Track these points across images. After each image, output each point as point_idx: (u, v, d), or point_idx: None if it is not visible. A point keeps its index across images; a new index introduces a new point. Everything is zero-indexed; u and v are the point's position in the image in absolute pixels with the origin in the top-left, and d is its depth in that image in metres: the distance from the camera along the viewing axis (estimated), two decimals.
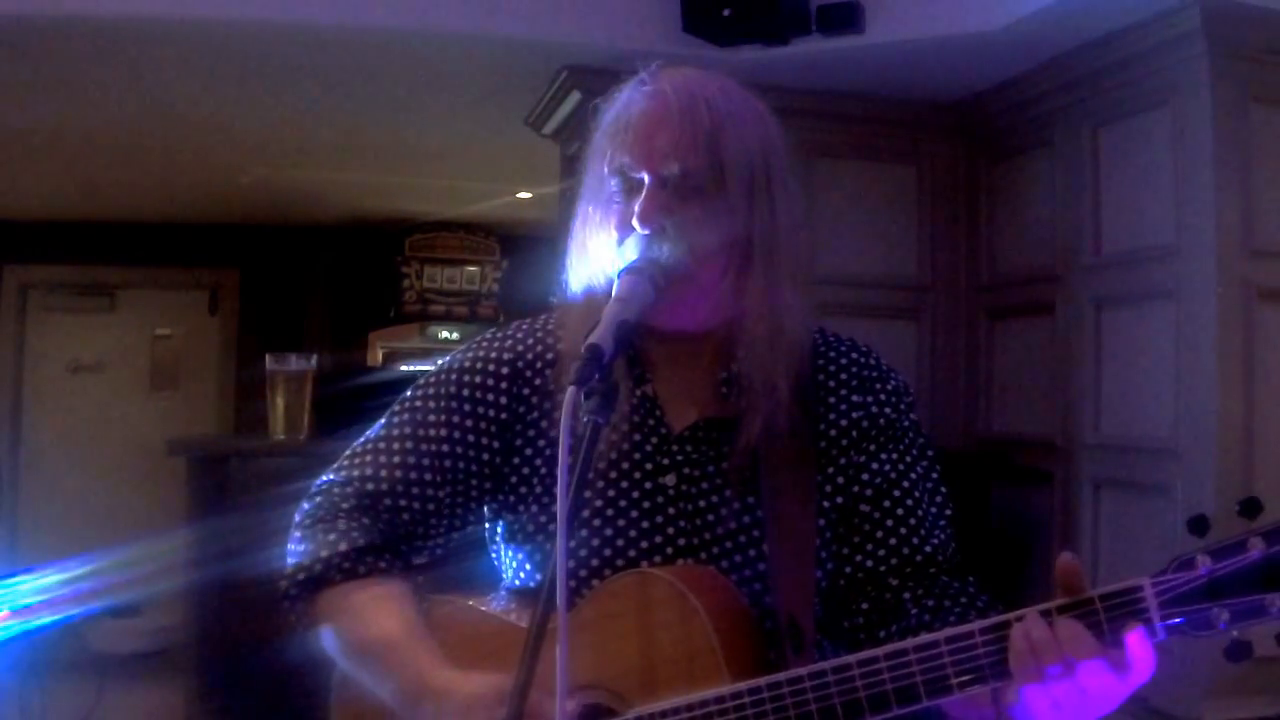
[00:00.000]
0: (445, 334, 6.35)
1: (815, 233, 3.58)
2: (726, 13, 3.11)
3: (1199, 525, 0.94)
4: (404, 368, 5.67)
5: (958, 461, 3.44)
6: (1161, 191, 3.00)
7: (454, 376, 1.31)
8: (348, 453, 1.32)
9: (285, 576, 1.24)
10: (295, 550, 1.25)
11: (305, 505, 1.29)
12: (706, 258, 1.18)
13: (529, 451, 1.28)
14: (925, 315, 3.81)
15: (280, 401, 3.52)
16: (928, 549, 1.22)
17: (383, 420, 1.33)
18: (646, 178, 1.18)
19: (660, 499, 1.22)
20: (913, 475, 1.26)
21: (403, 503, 1.27)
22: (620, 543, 1.21)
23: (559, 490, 0.95)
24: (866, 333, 1.46)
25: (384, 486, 1.27)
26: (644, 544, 1.21)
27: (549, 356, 1.30)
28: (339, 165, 5.14)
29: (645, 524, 1.22)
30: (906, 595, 1.19)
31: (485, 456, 1.28)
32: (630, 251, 1.16)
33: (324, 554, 1.22)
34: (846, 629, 1.22)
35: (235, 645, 3.20)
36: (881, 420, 1.27)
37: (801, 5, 3.13)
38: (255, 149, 4.86)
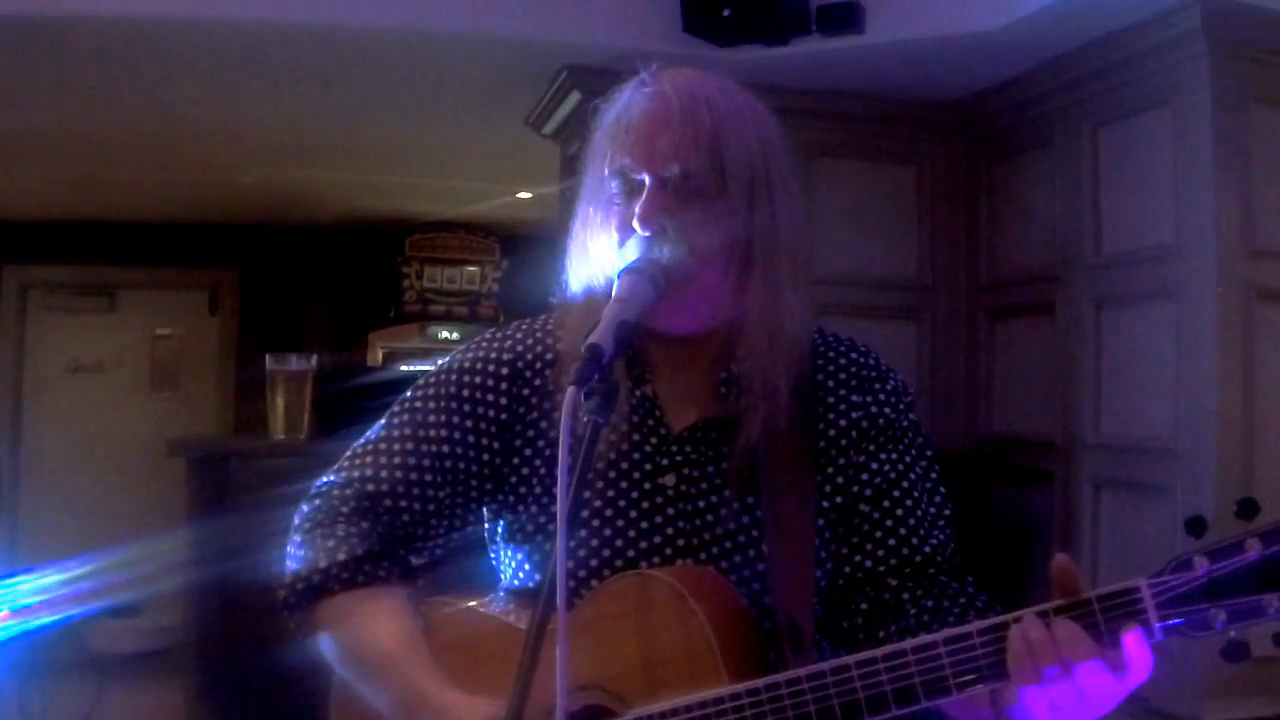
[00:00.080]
0: (445, 334, 6.35)
1: (815, 233, 3.58)
2: (726, 13, 3.11)
3: (1196, 526, 0.94)
4: (404, 368, 5.67)
5: (958, 461, 3.44)
6: (1161, 191, 3.00)
7: (454, 377, 1.31)
8: (347, 454, 1.32)
9: (284, 585, 1.24)
10: (295, 555, 1.25)
11: (304, 508, 1.29)
12: (707, 259, 1.18)
13: (528, 452, 1.28)
14: (925, 315, 3.81)
15: (280, 401, 3.53)
16: (927, 549, 1.22)
17: (382, 421, 1.33)
18: (647, 179, 1.18)
19: (659, 499, 1.23)
20: (912, 475, 1.26)
21: (403, 504, 1.27)
22: (619, 543, 1.21)
23: (559, 490, 0.95)
24: (866, 333, 1.46)
25: (384, 488, 1.27)
26: (643, 544, 1.21)
27: (549, 357, 1.30)
28: (339, 165, 5.14)
29: (644, 524, 1.22)
30: (905, 596, 1.20)
31: (485, 457, 1.28)
32: (631, 253, 1.16)
33: (323, 563, 1.22)
34: (845, 629, 1.22)
35: (235, 645, 3.20)
36: (881, 420, 1.27)
37: (801, 5, 3.13)
38: (255, 149, 4.86)
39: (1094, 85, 3.22)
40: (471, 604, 1.29)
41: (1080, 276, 3.29)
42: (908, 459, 1.27)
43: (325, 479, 1.31)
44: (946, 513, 1.28)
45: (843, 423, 1.27)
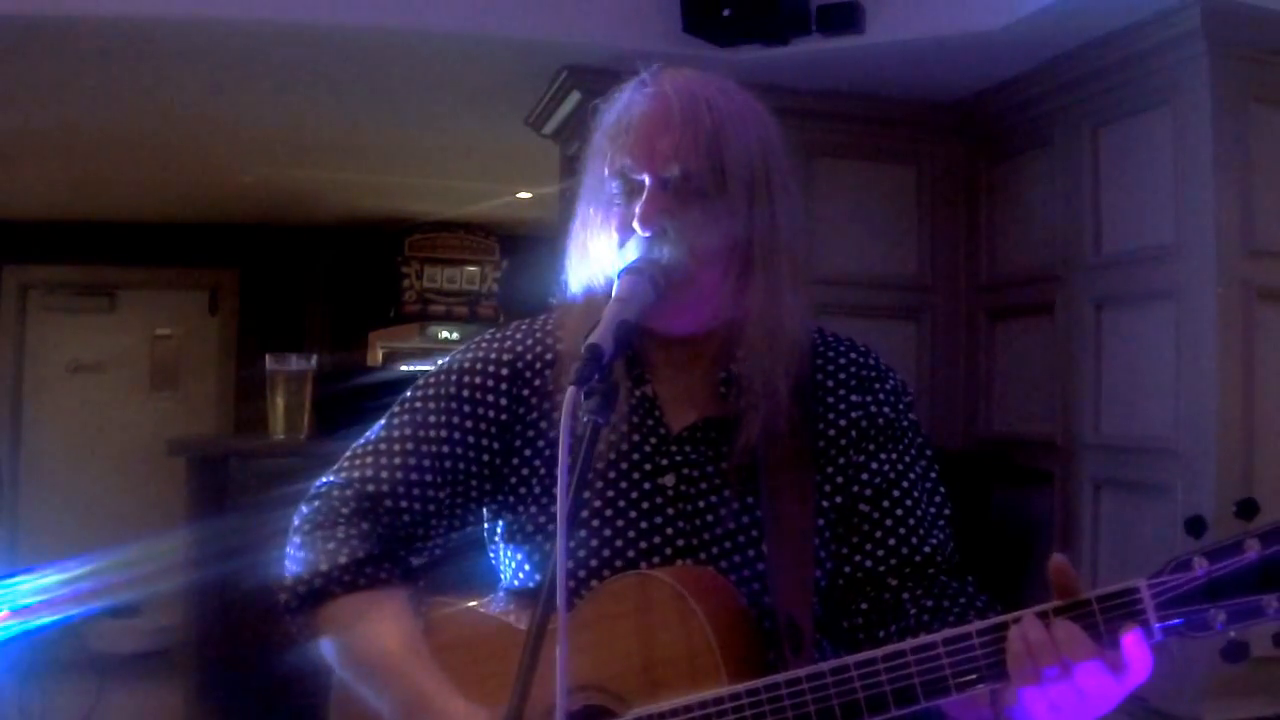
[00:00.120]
0: (445, 334, 6.34)
1: (815, 233, 3.58)
2: (726, 13, 3.11)
3: (1196, 526, 0.94)
4: (404, 368, 5.67)
5: (958, 461, 3.44)
6: (1161, 191, 3.00)
7: (454, 377, 1.31)
8: (347, 454, 1.32)
9: (285, 588, 1.23)
10: (295, 557, 1.25)
11: (304, 509, 1.29)
12: (707, 260, 1.18)
13: (528, 452, 1.28)
14: (925, 315, 3.81)
15: (280, 401, 3.53)
16: (926, 549, 1.22)
17: (382, 421, 1.33)
18: (647, 180, 1.18)
19: (659, 499, 1.23)
20: (912, 475, 1.26)
21: (403, 504, 1.27)
22: (619, 543, 1.21)
23: (559, 490, 0.95)
24: (866, 333, 1.46)
25: (385, 488, 1.27)
26: (643, 544, 1.21)
27: (548, 357, 1.30)
28: (339, 165, 5.14)
29: (644, 524, 1.22)
30: (905, 595, 1.20)
31: (485, 457, 1.28)
32: (630, 253, 1.16)
33: (324, 566, 1.21)
34: (846, 629, 1.22)
35: (235, 645, 3.20)
36: (880, 420, 1.28)
37: (801, 5, 3.13)
38: (255, 149, 4.86)
39: (1094, 85, 3.22)
40: (471, 604, 1.29)
41: (1080, 276, 3.29)
42: (907, 459, 1.27)
43: (325, 479, 1.31)
44: (946, 512, 1.28)
45: (842, 422, 1.27)
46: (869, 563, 1.22)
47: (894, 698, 1.01)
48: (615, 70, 1.27)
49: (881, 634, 1.17)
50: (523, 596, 1.27)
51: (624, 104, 1.22)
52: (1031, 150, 3.55)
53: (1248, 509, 0.92)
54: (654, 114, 1.18)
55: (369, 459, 1.29)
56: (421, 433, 1.28)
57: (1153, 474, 2.99)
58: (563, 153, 3.85)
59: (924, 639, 1.01)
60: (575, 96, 3.52)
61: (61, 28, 3.15)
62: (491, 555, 1.35)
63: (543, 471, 1.26)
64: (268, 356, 3.59)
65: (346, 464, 1.31)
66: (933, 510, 1.26)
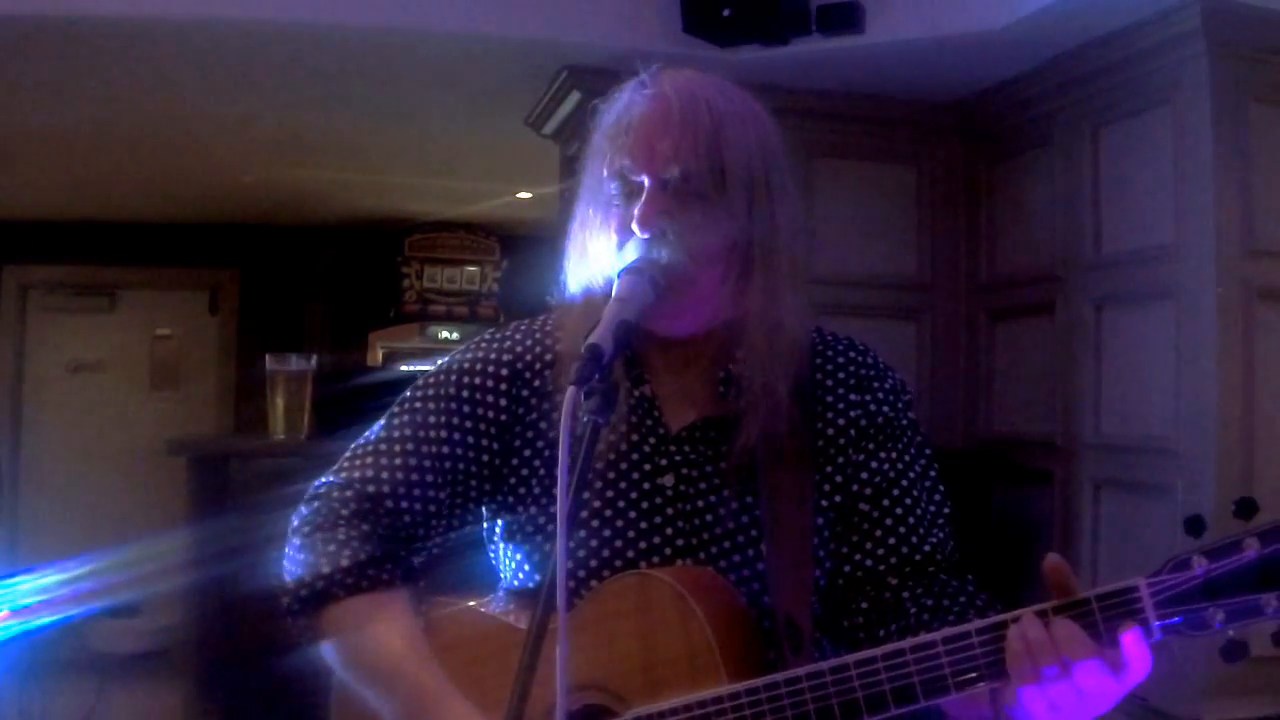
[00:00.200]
0: (445, 334, 6.34)
1: (815, 233, 3.59)
2: (726, 13, 3.12)
3: (1195, 525, 0.94)
4: (404, 368, 5.66)
5: (958, 461, 3.44)
6: (1161, 191, 3.00)
7: (453, 378, 1.31)
8: (346, 454, 1.32)
9: (287, 591, 1.23)
10: (295, 559, 1.25)
11: (304, 510, 1.29)
12: (707, 261, 1.17)
13: (528, 453, 1.28)
14: (925, 315, 3.81)
15: (280, 401, 3.53)
16: (926, 548, 1.22)
17: (381, 422, 1.33)
18: (647, 181, 1.17)
19: (658, 499, 1.23)
20: (911, 474, 1.26)
21: (404, 504, 1.26)
22: (619, 543, 1.21)
23: (559, 490, 0.95)
24: (866, 333, 1.46)
25: (385, 489, 1.26)
26: (642, 544, 1.21)
27: (547, 358, 1.30)
28: (339, 165, 5.14)
29: (644, 524, 1.22)
30: (905, 594, 1.19)
31: (485, 458, 1.28)
32: (630, 255, 1.16)
33: (325, 568, 1.21)
34: (846, 628, 1.22)
35: (235, 645, 3.20)
36: (880, 419, 1.28)
37: (801, 5, 3.13)
38: (255, 149, 4.86)
39: (1094, 85, 3.22)
40: (471, 604, 1.29)
41: (1080, 276, 3.29)
42: (907, 457, 1.27)
43: (324, 480, 1.31)
44: (946, 511, 1.28)
45: (841, 421, 1.27)
46: (869, 562, 1.22)
47: (893, 697, 1.01)
48: (615, 70, 1.27)
49: (881, 633, 1.17)
50: (522, 596, 1.27)
51: (623, 105, 1.22)
52: (1031, 150, 3.55)
53: (1247, 508, 0.92)
54: (654, 115, 1.18)
55: (368, 459, 1.29)
56: (421, 433, 1.28)
57: (1153, 474, 3.00)
58: (563, 153, 3.85)
59: (923, 638, 1.01)
60: (575, 96, 3.52)
61: (61, 28, 3.15)
62: (491, 555, 1.34)
63: (542, 472, 1.26)
64: (268, 356, 3.59)
65: (346, 464, 1.30)
66: (932, 509, 1.26)
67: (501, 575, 1.32)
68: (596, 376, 1.00)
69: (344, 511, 1.25)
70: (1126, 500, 3.13)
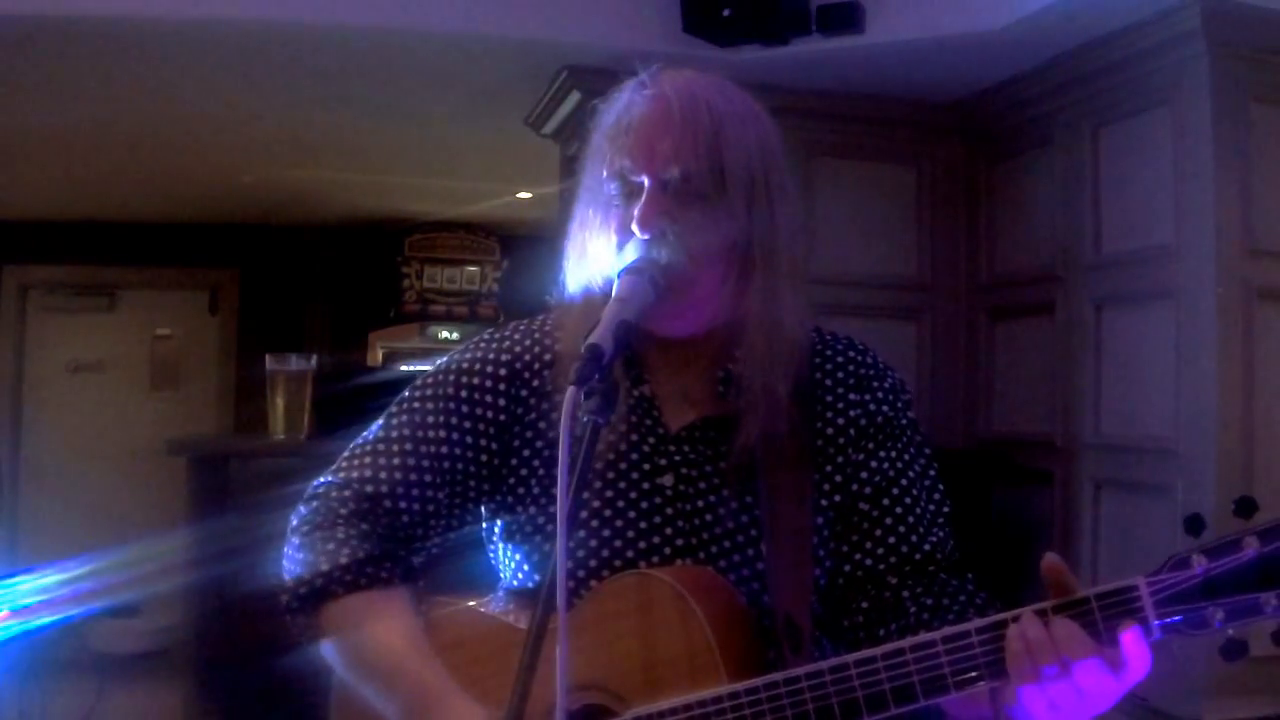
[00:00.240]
0: (445, 334, 6.35)
1: (815, 233, 3.59)
2: (726, 13, 3.12)
3: (1195, 524, 0.94)
4: (404, 368, 5.67)
5: (958, 461, 3.44)
6: (1161, 191, 3.00)
7: (451, 378, 1.31)
8: (344, 455, 1.32)
9: (286, 590, 1.23)
10: (294, 558, 1.25)
11: (302, 509, 1.29)
12: (707, 262, 1.17)
13: (526, 453, 1.28)
14: (925, 315, 3.81)
15: (280, 401, 3.53)
16: (926, 547, 1.22)
17: (380, 422, 1.32)
18: (647, 181, 1.17)
19: (658, 499, 1.22)
20: (911, 473, 1.26)
21: (402, 504, 1.26)
22: (618, 543, 1.21)
23: (559, 490, 0.95)
24: (866, 333, 1.46)
25: (383, 489, 1.26)
26: (642, 544, 1.21)
27: (546, 358, 1.30)
28: (339, 165, 5.15)
29: (643, 524, 1.22)
30: (905, 594, 1.19)
31: (483, 458, 1.28)
32: (630, 255, 1.16)
33: (324, 566, 1.21)
34: (846, 628, 1.22)
35: (235, 645, 3.20)
36: (879, 418, 1.28)
37: (801, 5, 3.13)
38: (255, 149, 4.86)
39: (1094, 85, 3.22)
40: (471, 604, 1.29)
41: (1080, 276, 3.29)
42: (906, 456, 1.27)
43: (322, 480, 1.31)
44: (945, 510, 1.28)
45: (841, 421, 1.27)
46: (869, 561, 1.22)
47: (893, 696, 1.01)
48: (615, 70, 1.27)
49: (881, 632, 1.17)
50: (522, 596, 1.27)
51: (623, 105, 1.22)
52: (1031, 150, 3.55)
53: (1246, 507, 0.92)
54: (654, 115, 1.18)
55: (367, 459, 1.29)
56: (419, 433, 1.28)
57: (1153, 474, 3.00)
58: (563, 153, 3.85)
59: (923, 637, 1.01)
60: (575, 96, 3.52)
61: (61, 28, 3.15)
62: (490, 555, 1.34)
63: (541, 472, 1.26)
64: (268, 356, 3.60)
65: (344, 465, 1.30)
66: (931, 508, 1.26)
67: (501, 575, 1.32)
68: (596, 376, 1.00)
69: (343, 511, 1.25)
70: (1126, 500, 3.13)
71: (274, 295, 6.60)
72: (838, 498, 1.24)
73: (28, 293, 6.55)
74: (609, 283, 1.17)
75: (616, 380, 1.06)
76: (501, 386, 1.29)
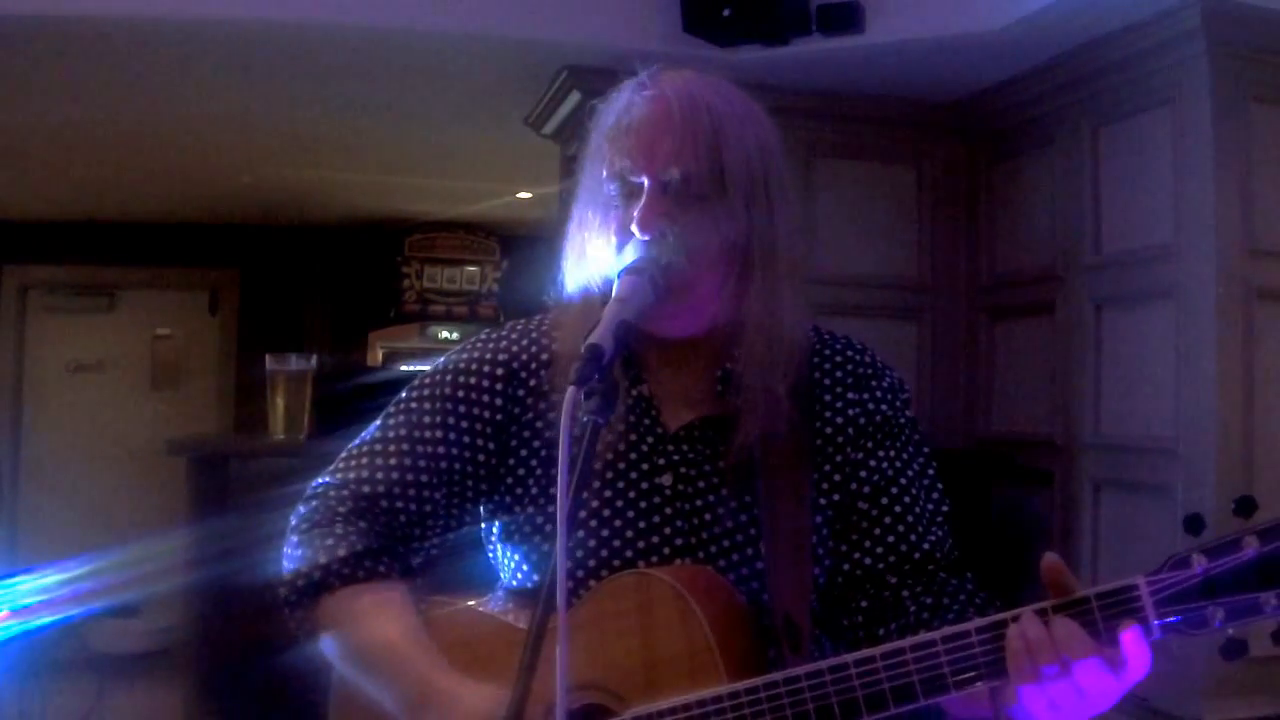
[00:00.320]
0: (445, 334, 6.35)
1: (815, 233, 3.59)
2: (726, 13, 3.12)
3: (1194, 524, 0.94)
4: (404, 368, 5.66)
5: (958, 461, 3.44)
6: (1161, 191, 3.00)
7: (449, 378, 1.31)
8: (342, 455, 1.32)
9: (284, 583, 1.23)
10: (292, 555, 1.25)
11: (301, 509, 1.29)
12: (706, 263, 1.17)
13: (524, 453, 1.27)
14: (925, 315, 3.81)
15: (280, 401, 3.53)
16: (925, 546, 1.22)
17: (378, 422, 1.33)
18: (647, 182, 1.17)
19: (657, 499, 1.22)
20: (910, 472, 1.26)
21: (399, 504, 1.26)
22: (617, 543, 1.21)
23: (559, 490, 0.95)
24: (866, 333, 1.46)
25: (380, 489, 1.26)
26: (641, 544, 1.21)
27: (544, 358, 1.30)
28: (339, 165, 5.15)
29: (642, 524, 1.22)
30: (905, 593, 1.20)
31: (481, 458, 1.28)
32: (629, 256, 1.16)
33: (323, 560, 1.21)
34: (845, 627, 1.22)
35: (235, 645, 3.20)
36: (878, 417, 1.28)
37: (801, 5, 3.13)
38: (255, 149, 4.86)
39: (1094, 85, 3.22)
40: (470, 604, 1.29)
41: (1080, 276, 3.29)
42: (905, 455, 1.27)
43: (320, 480, 1.31)
44: (944, 509, 1.28)
45: (840, 420, 1.27)
46: (868, 560, 1.22)
47: (893, 695, 1.01)
48: (615, 70, 1.27)
49: (881, 632, 1.17)
50: (521, 596, 1.26)
51: (623, 105, 1.21)
52: (1031, 150, 3.55)
53: (1246, 506, 0.92)
54: (653, 116, 1.18)
55: (364, 460, 1.29)
56: (417, 433, 1.28)
57: (1153, 474, 3.00)
58: (563, 153, 3.85)
59: (923, 637, 1.01)
60: (575, 97, 3.52)
61: (61, 28, 3.15)
62: (489, 555, 1.34)
63: (539, 472, 1.26)
64: (268, 356, 3.59)
65: (342, 465, 1.31)
66: (930, 507, 1.26)
67: (500, 575, 1.32)
68: (596, 376, 1.00)
69: (341, 510, 1.25)
70: (1126, 500, 3.13)
71: (274, 295, 6.60)
72: (837, 497, 1.24)
73: (28, 293, 6.55)
74: (608, 283, 1.17)
75: (616, 380, 1.06)
76: (498, 386, 1.29)
